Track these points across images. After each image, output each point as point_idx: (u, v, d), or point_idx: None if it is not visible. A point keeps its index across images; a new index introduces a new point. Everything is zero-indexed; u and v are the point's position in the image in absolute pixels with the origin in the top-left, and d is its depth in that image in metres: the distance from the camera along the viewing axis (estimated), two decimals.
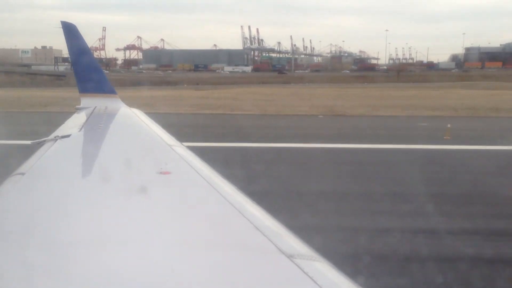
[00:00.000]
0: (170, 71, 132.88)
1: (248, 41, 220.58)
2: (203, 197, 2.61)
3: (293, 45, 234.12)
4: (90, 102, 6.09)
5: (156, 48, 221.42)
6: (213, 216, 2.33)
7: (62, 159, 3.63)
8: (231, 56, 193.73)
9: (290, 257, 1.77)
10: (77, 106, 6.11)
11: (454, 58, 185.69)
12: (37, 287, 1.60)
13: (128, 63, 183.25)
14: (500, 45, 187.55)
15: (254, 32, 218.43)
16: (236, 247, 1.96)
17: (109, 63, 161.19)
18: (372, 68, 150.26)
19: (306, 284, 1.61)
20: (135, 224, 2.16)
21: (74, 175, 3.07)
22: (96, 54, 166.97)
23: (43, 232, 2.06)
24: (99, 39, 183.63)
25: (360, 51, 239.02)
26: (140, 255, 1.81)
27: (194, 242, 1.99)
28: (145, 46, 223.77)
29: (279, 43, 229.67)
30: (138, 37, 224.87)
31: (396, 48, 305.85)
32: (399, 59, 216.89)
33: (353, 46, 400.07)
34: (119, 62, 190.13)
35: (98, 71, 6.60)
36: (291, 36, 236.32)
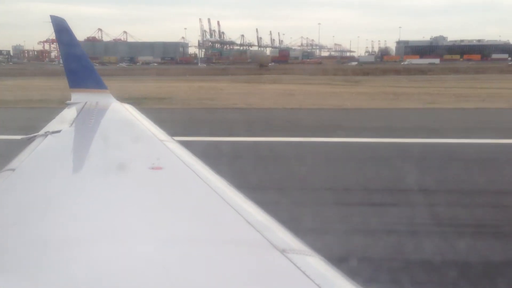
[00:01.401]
0: (96, 64, 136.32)
1: (208, 34, 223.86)
2: (195, 193, 2.62)
3: (258, 38, 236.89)
4: (81, 97, 6.04)
5: (118, 40, 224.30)
6: (205, 211, 2.34)
7: (52, 154, 3.66)
8: (165, 48, 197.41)
9: (282, 251, 1.78)
10: (67, 102, 6.07)
11: (382, 51, 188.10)
12: (28, 284, 1.59)
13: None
14: (430, 38, 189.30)
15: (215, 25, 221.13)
16: (229, 242, 1.97)
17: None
18: (285, 60, 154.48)
19: (298, 278, 1.62)
20: (127, 220, 2.17)
21: (64, 170, 3.09)
22: (53, 47, 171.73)
23: (33, 229, 2.06)
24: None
25: (335, 44, 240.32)
26: (132, 251, 1.83)
27: (186, 237, 1.99)
28: (106, 39, 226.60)
29: (242, 35, 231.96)
30: (99, 29, 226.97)
31: (372, 41, 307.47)
32: (375, 51, 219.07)
33: (344, 41, 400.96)
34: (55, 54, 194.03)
35: (88, 66, 6.57)
36: (256, 29, 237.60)
